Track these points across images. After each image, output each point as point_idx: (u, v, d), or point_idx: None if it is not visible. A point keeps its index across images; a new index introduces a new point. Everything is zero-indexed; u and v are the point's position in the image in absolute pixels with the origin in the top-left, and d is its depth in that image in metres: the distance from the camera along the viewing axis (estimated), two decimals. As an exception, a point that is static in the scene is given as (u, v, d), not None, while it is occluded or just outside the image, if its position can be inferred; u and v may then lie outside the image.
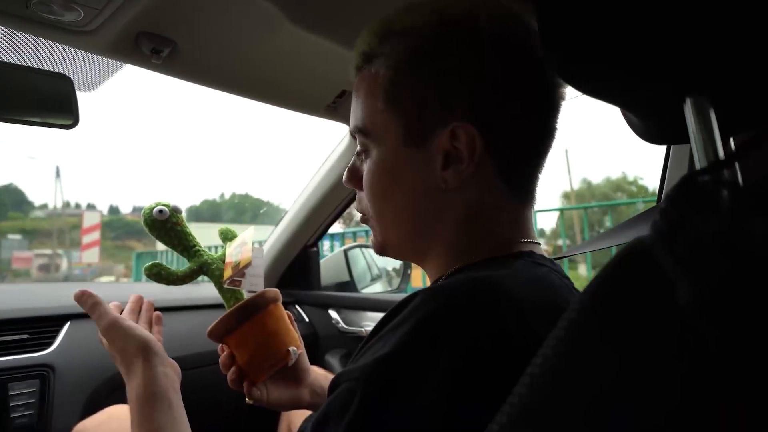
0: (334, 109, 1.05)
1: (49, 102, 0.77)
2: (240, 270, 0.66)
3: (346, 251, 1.67)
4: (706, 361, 0.23)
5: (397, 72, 0.49)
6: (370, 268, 1.79)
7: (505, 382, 0.35)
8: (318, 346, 1.46)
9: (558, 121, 0.52)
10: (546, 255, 0.52)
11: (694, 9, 0.33)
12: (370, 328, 1.32)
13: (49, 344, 0.99)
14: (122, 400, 1.00)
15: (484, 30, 0.47)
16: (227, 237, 0.76)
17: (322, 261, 1.64)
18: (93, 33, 0.70)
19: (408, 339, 0.38)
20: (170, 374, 0.59)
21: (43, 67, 0.76)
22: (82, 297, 0.62)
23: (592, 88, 0.39)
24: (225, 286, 0.68)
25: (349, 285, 1.64)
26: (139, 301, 0.69)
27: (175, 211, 0.69)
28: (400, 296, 1.37)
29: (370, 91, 0.51)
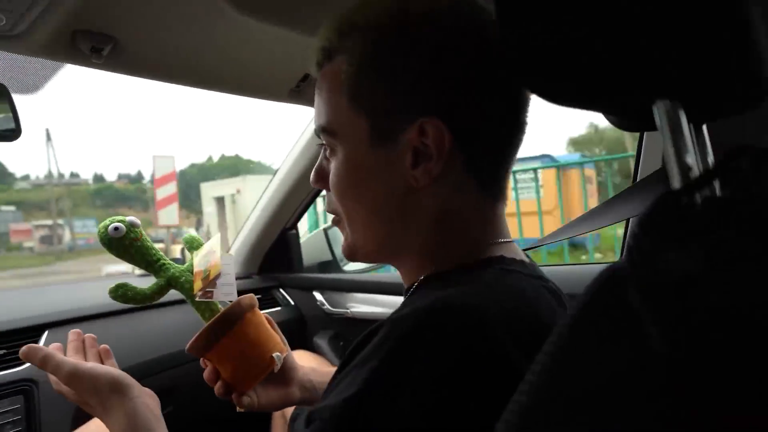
0: (298, 93, 0.99)
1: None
2: (211, 281, 0.64)
3: (326, 230, 1.65)
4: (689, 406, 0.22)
5: (360, 68, 0.47)
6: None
7: (478, 408, 0.35)
8: (305, 328, 1.46)
9: (528, 115, 0.51)
10: (516, 257, 0.50)
11: (650, 19, 0.30)
12: (355, 310, 1.33)
13: None
14: (107, 407, 0.99)
15: (448, 27, 0.45)
16: (192, 246, 0.72)
17: (302, 241, 1.62)
18: (22, 36, 0.64)
19: (374, 377, 0.37)
20: (149, 402, 0.57)
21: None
22: (29, 353, 0.59)
23: (559, 99, 0.36)
24: (197, 299, 0.65)
25: (332, 264, 1.63)
26: (79, 337, 0.67)
27: (132, 225, 0.65)
28: (383, 277, 1.36)
29: (333, 88, 0.49)
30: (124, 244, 0.64)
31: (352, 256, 0.55)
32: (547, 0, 0.34)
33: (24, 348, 0.59)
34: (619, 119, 0.45)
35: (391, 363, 0.38)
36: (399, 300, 1.25)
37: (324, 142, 0.52)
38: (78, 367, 0.57)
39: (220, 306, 0.68)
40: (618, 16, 0.32)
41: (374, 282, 1.33)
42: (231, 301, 0.64)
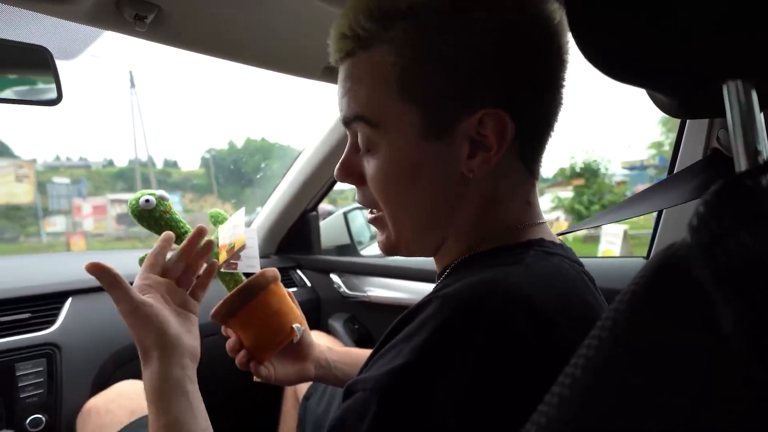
0: (331, 72, 0.99)
1: (29, 76, 0.72)
2: (235, 252, 0.66)
3: (346, 214, 1.65)
4: (755, 397, 0.22)
5: (412, 60, 0.44)
6: (369, 226, 1.78)
7: (523, 390, 0.35)
8: (321, 310, 1.47)
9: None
10: (555, 240, 0.51)
11: None
12: (372, 293, 1.34)
13: (53, 322, 0.99)
14: (130, 374, 1.01)
15: (512, 10, 0.44)
16: (217, 220, 0.75)
17: (321, 224, 1.63)
18: (68, 1, 0.64)
19: (421, 350, 0.37)
20: (186, 364, 0.56)
21: (17, 38, 0.71)
22: (96, 270, 0.54)
23: (623, 74, 0.36)
24: (221, 270, 0.68)
25: (350, 248, 1.63)
26: (166, 250, 0.61)
27: (161, 198, 0.68)
28: (402, 262, 1.36)
29: (377, 79, 0.46)
30: (155, 216, 0.67)
31: (393, 252, 0.53)
32: None
33: (91, 263, 0.55)
34: (675, 105, 0.45)
35: (440, 339, 0.37)
36: (418, 285, 1.27)
37: (359, 133, 0.49)
38: (138, 309, 0.55)
39: (243, 277, 0.71)
40: None
41: (393, 267, 1.34)
42: (254, 273, 0.66)
